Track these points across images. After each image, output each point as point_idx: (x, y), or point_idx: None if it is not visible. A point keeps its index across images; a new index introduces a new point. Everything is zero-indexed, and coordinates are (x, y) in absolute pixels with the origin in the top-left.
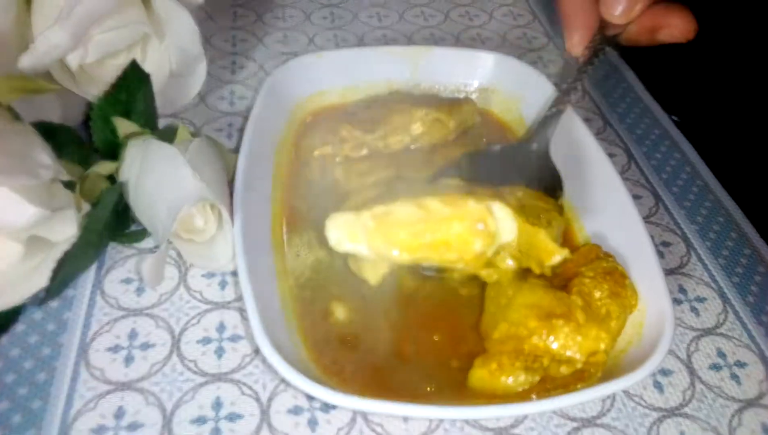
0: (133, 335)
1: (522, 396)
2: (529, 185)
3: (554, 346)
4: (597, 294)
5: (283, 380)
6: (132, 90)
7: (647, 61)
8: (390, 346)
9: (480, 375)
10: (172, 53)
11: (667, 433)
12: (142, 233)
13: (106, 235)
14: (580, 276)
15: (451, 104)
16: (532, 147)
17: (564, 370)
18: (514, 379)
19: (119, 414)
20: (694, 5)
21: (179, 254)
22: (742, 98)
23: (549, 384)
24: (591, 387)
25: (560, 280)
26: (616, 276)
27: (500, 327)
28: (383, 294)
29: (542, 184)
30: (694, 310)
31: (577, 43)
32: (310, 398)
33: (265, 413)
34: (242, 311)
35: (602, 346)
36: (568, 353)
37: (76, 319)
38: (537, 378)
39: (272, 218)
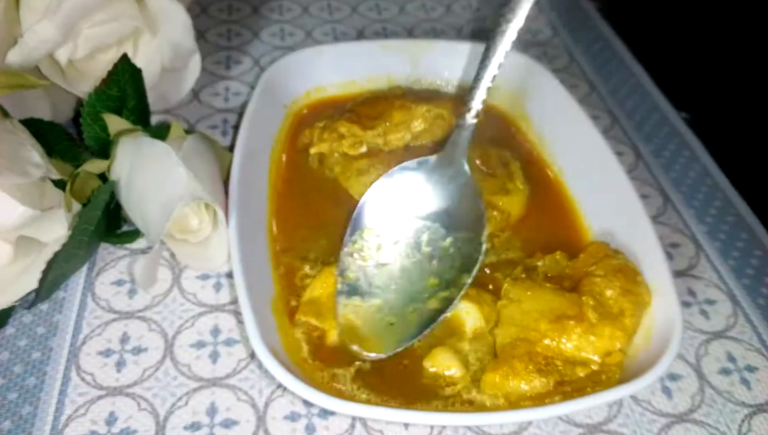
0: (125, 339)
1: (538, 400)
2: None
3: (567, 347)
4: (609, 292)
5: (279, 385)
6: (123, 86)
7: (656, 54)
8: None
9: (492, 380)
10: (165, 48)
11: None
12: (135, 234)
13: (97, 236)
14: (590, 276)
15: (454, 100)
16: (447, 171)
17: (580, 371)
18: (527, 383)
19: (111, 420)
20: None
21: (173, 255)
22: (754, 94)
23: (567, 387)
24: (598, 392)
25: (570, 282)
26: (627, 272)
27: (510, 331)
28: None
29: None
30: (703, 312)
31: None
32: (308, 404)
33: (261, 419)
34: (237, 314)
35: (618, 345)
36: (583, 354)
37: (66, 322)
38: (552, 381)
39: (268, 218)
